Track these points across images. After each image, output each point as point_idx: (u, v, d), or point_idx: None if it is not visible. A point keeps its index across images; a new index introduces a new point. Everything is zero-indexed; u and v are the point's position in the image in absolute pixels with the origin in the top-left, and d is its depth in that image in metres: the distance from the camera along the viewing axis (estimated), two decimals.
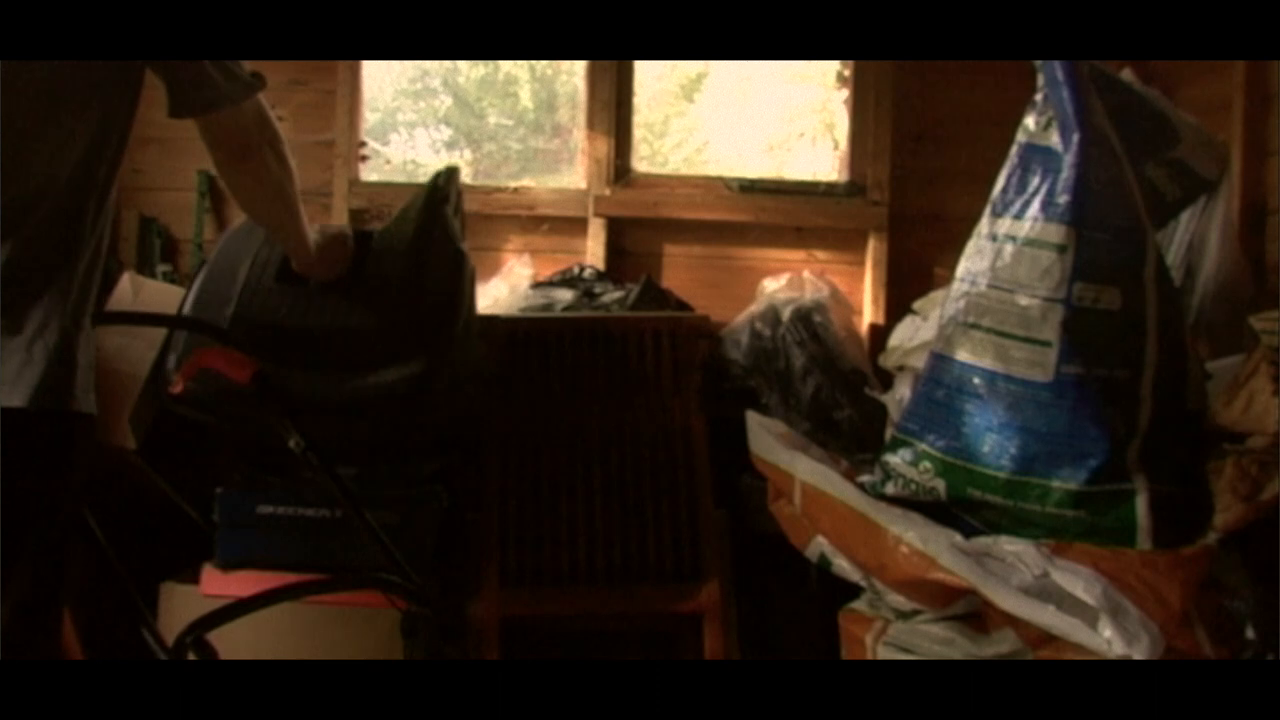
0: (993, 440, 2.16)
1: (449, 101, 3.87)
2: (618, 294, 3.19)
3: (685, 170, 3.76)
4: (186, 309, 2.40)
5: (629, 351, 3.01)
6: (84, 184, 1.63)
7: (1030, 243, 2.14)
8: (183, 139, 3.32)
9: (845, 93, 3.53)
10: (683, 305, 3.26)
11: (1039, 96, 2.21)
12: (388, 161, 3.63)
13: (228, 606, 1.63)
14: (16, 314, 1.54)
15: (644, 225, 3.43)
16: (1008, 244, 2.17)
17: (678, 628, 2.88)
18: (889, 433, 2.57)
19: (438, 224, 2.54)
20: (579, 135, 3.49)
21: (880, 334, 3.30)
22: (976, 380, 2.19)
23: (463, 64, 3.82)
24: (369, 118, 3.50)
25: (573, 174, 3.55)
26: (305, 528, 2.57)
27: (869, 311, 3.40)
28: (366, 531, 1.97)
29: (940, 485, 2.23)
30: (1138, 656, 1.79)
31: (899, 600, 2.23)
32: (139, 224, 3.25)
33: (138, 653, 1.74)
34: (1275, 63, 2.77)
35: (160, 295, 2.93)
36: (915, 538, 2.11)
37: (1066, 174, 2.12)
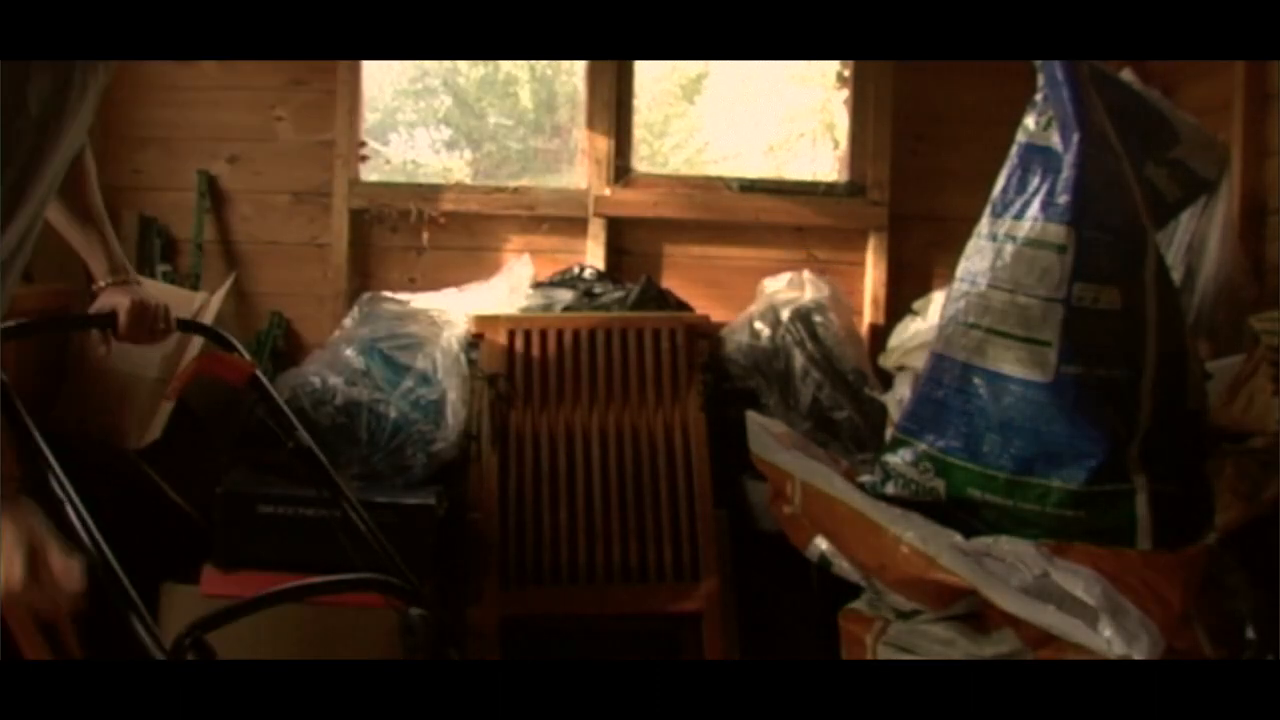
0: (993, 440, 2.16)
1: (449, 101, 3.87)
2: (618, 294, 3.19)
3: (685, 170, 3.76)
4: None
5: (629, 351, 3.01)
6: None
7: (1030, 243, 2.14)
8: (183, 139, 3.34)
9: (845, 93, 3.53)
10: (683, 305, 3.27)
11: (1039, 96, 2.21)
12: (388, 161, 3.63)
13: (227, 609, 1.63)
14: None
15: (644, 225, 3.43)
16: (1008, 244, 2.17)
17: (678, 628, 2.88)
18: (889, 433, 2.57)
19: None
20: (579, 135, 3.49)
21: (880, 334, 3.30)
22: (976, 380, 2.19)
23: (463, 64, 3.82)
24: (369, 118, 3.50)
25: (573, 174, 3.55)
26: (305, 528, 2.57)
27: (869, 311, 3.40)
28: (366, 531, 1.96)
29: (940, 485, 2.23)
30: (1138, 656, 1.79)
31: (899, 600, 2.23)
32: (139, 224, 3.25)
33: (138, 653, 1.74)
34: (1275, 63, 2.77)
35: (161, 295, 2.92)
36: (915, 538, 2.11)
37: (1066, 174, 2.12)
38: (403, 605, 1.77)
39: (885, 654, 2.22)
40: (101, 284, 2.00)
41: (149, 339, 2.04)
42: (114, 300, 1.99)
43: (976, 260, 2.23)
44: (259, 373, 2.04)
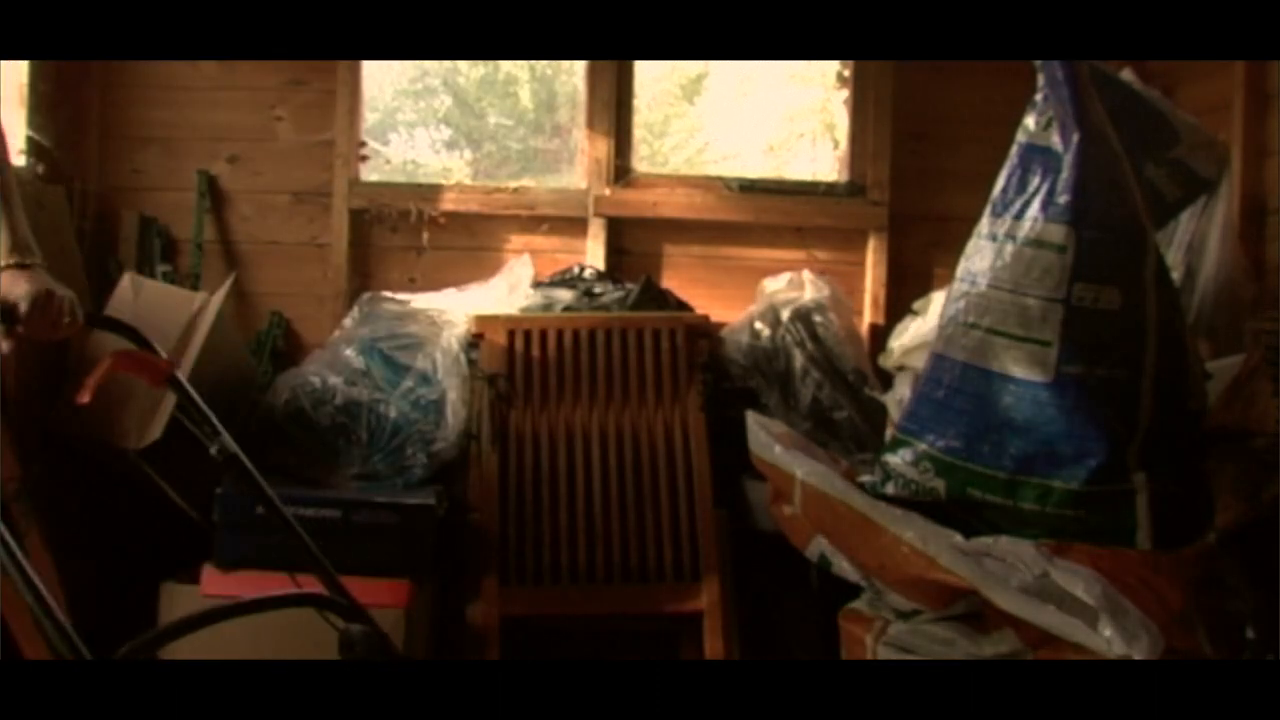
0: (993, 440, 2.16)
1: (449, 101, 3.87)
2: (618, 294, 3.19)
3: (685, 170, 3.76)
4: None
5: (629, 351, 3.01)
6: None
7: (1030, 243, 2.14)
8: (183, 139, 3.34)
9: (845, 93, 3.52)
10: (683, 305, 3.27)
11: (1039, 96, 2.21)
12: (388, 161, 3.63)
13: (159, 632, 1.59)
14: None
15: (644, 225, 3.42)
16: (1008, 244, 2.17)
17: (678, 628, 2.88)
18: (889, 433, 2.57)
19: None
20: (579, 135, 3.49)
21: (880, 334, 3.29)
22: (976, 380, 2.19)
23: (463, 64, 3.82)
24: (369, 118, 3.50)
25: (573, 174, 3.55)
26: (304, 529, 2.56)
27: (869, 311, 3.40)
28: (303, 544, 1.94)
29: (940, 485, 2.23)
30: (1138, 656, 1.79)
31: (899, 600, 2.23)
32: (139, 224, 3.25)
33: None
34: (1275, 63, 2.77)
35: (160, 295, 2.93)
36: (915, 538, 2.11)
37: (1066, 174, 2.12)
38: (341, 621, 1.75)
39: (885, 654, 2.22)
40: None
41: (53, 333, 1.83)
42: (15, 289, 1.75)
43: (976, 260, 2.23)
44: (177, 373, 1.97)
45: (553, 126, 3.79)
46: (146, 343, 2.00)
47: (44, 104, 3.07)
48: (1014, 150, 2.24)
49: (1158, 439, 2.11)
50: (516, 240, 3.41)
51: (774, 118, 3.84)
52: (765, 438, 2.53)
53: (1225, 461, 2.18)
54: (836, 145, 3.63)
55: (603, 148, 3.40)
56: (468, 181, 3.56)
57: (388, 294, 3.22)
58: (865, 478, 2.35)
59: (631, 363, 3.01)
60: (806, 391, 3.09)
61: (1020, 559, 2.00)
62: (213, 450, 1.88)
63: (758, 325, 3.18)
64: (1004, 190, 2.23)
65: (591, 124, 3.41)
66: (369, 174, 3.45)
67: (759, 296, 3.30)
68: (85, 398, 1.87)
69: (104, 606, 2.59)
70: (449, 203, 3.38)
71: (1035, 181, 2.17)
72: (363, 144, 3.43)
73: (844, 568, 2.34)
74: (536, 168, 3.73)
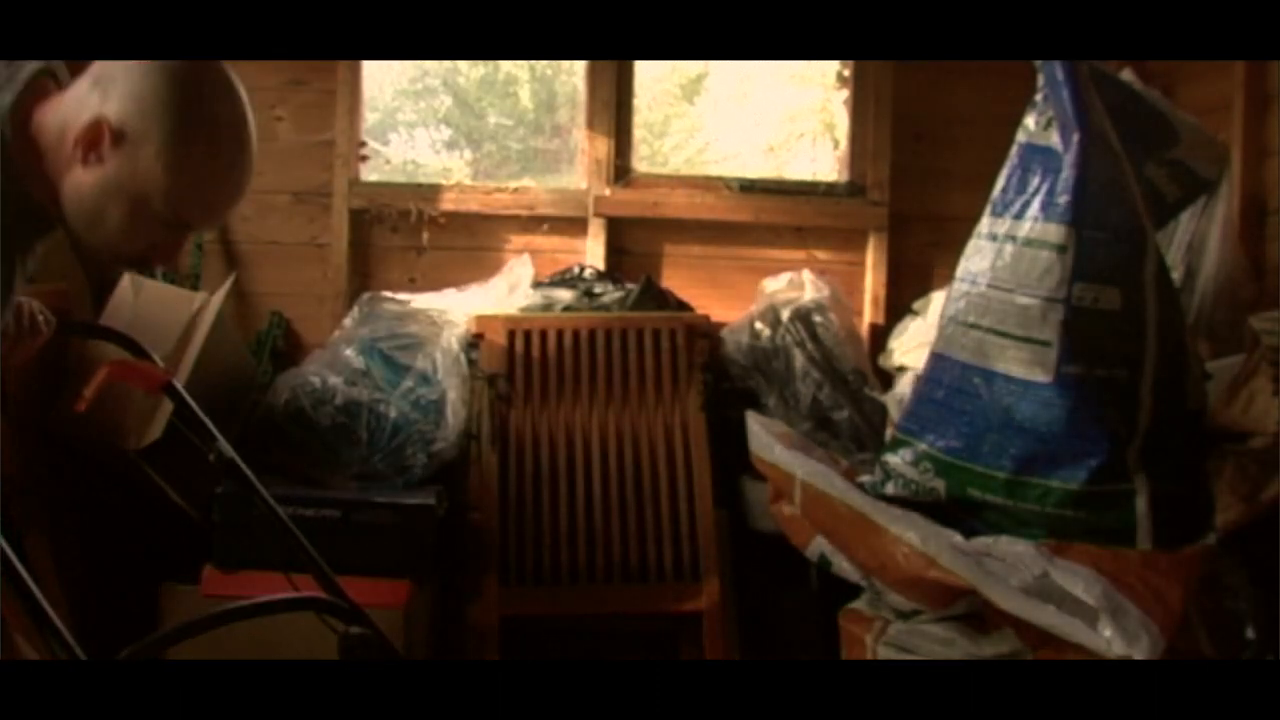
0: (993, 440, 2.16)
1: (449, 101, 3.87)
2: (618, 294, 3.20)
3: (685, 170, 3.76)
4: None
5: (629, 351, 3.01)
6: None
7: (1030, 243, 2.14)
8: None
9: (845, 93, 3.53)
10: (683, 305, 3.27)
11: (1039, 96, 2.21)
12: (388, 161, 3.63)
13: (157, 637, 1.60)
14: None
15: (644, 225, 3.43)
16: (1008, 244, 2.17)
17: (678, 628, 2.88)
18: (889, 433, 2.57)
19: None
20: (579, 135, 3.49)
21: (880, 334, 3.30)
22: (976, 380, 2.19)
23: (463, 64, 3.82)
24: (369, 118, 3.50)
25: (573, 174, 3.55)
26: (304, 528, 2.56)
27: (869, 311, 3.40)
28: (295, 544, 1.94)
29: (940, 485, 2.23)
30: (1138, 656, 1.79)
31: (899, 600, 2.23)
32: None
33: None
34: (1275, 63, 2.77)
35: (160, 295, 2.93)
36: (915, 538, 2.11)
37: (1066, 174, 2.12)
38: (341, 625, 1.75)
39: (885, 654, 2.22)
40: None
41: (25, 350, 1.68)
42: None
43: (976, 260, 2.23)
44: (175, 381, 1.94)
45: (553, 126, 3.79)
46: (143, 351, 2.01)
47: None
48: (1014, 150, 2.24)
49: (1158, 439, 2.12)
50: (516, 240, 3.41)
51: (774, 118, 3.84)
52: (765, 438, 2.53)
53: (1225, 461, 2.18)
54: (836, 145, 3.63)
55: (603, 148, 3.40)
56: (468, 181, 3.56)
57: (388, 294, 3.22)
58: (865, 478, 2.35)
59: (631, 363, 3.01)
60: (806, 391, 3.09)
61: (1020, 559, 2.00)
62: (211, 457, 1.88)
63: (758, 325, 3.18)
64: (1004, 190, 2.23)
65: (591, 124, 3.41)
66: (369, 174, 3.45)
67: (759, 296, 3.30)
68: (82, 407, 1.87)
69: (104, 607, 2.60)
70: (449, 203, 3.38)
71: (1035, 181, 2.17)
72: (363, 144, 3.43)
73: (844, 568, 2.34)
74: (536, 168, 3.73)
